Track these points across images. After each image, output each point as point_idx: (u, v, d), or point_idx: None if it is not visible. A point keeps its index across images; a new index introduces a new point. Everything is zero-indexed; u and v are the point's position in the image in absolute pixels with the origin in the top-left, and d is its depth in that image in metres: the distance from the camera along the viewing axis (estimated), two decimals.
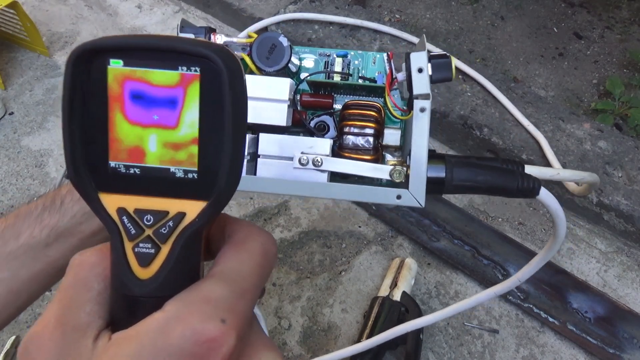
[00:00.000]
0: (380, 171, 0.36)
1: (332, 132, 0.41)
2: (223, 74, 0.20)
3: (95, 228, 0.42)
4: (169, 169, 0.21)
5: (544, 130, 0.98)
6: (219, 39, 0.40)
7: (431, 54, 0.36)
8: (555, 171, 0.43)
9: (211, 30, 0.40)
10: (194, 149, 0.20)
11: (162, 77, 0.20)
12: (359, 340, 0.80)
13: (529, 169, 0.39)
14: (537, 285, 0.90)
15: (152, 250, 0.20)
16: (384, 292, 0.86)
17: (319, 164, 0.36)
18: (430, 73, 0.35)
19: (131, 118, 0.20)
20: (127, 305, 0.21)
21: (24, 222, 0.41)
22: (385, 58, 0.41)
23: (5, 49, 1.29)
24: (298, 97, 0.41)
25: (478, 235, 0.96)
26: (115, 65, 0.20)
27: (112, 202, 0.21)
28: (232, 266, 0.21)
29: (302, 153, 0.36)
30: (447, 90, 1.04)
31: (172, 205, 0.21)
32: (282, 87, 0.37)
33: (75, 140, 0.20)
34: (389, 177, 0.36)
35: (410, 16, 1.41)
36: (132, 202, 0.21)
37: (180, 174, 0.21)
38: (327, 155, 0.36)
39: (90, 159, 0.21)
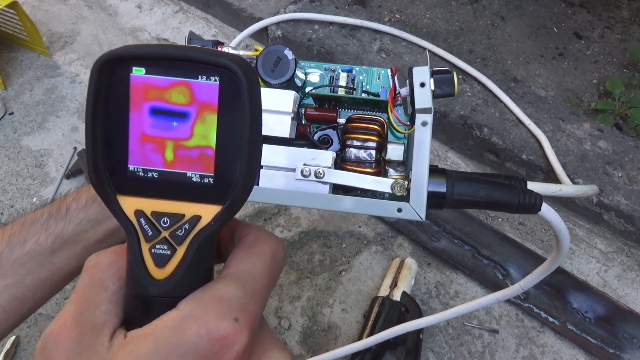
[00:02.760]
0: (382, 184, 0.36)
1: (336, 145, 0.41)
2: (243, 84, 0.20)
3: (101, 235, 0.43)
4: (186, 173, 0.21)
5: (543, 130, 0.98)
6: (226, 50, 0.40)
7: (434, 69, 0.36)
8: (558, 187, 0.43)
9: (219, 43, 0.40)
10: (211, 155, 0.21)
11: (182, 86, 0.21)
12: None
13: (532, 185, 0.39)
14: (537, 285, 0.90)
15: (168, 252, 0.21)
16: (384, 292, 0.86)
17: (321, 175, 0.36)
18: (432, 88, 0.36)
19: (151, 124, 0.21)
20: (142, 304, 0.21)
21: (30, 230, 0.41)
22: (390, 73, 0.42)
23: (5, 49, 1.29)
24: (302, 110, 0.42)
25: (478, 235, 0.96)
26: (138, 73, 0.21)
27: (130, 204, 0.22)
28: (243, 268, 0.22)
29: (304, 165, 0.36)
30: None
31: (188, 209, 0.21)
32: (286, 99, 0.37)
33: (97, 144, 0.21)
34: (390, 190, 0.36)
35: (410, 16, 1.41)
36: (150, 205, 0.22)
37: (196, 179, 0.21)
38: (329, 167, 0.36)
39: (110, 161, 0.21)
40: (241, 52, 0.40)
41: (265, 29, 1.19)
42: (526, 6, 1.44)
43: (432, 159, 1.06)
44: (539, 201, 0.36)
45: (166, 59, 0.21)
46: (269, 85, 0.39)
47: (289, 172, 0.36)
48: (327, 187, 0.36)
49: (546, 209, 0.38)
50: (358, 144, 0.38)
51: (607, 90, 1.22)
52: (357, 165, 0.38)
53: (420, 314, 0.82)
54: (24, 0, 1.36)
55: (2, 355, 0.83)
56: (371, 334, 0.79)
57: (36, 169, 1.09)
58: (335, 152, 0.39)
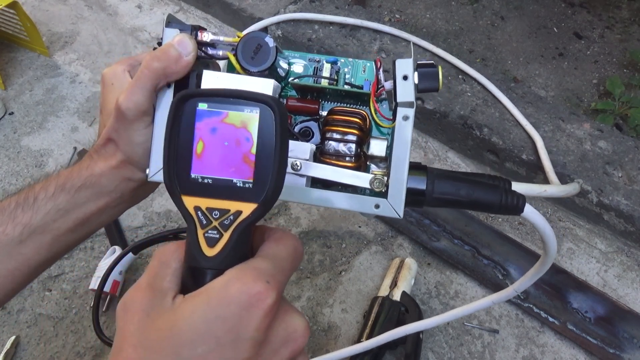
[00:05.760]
0: (360, 179, 0.35)
1: (317, 138, 0.41)
2: (276, 115, 0.28)
3: (71, 225, 0.41)
4: (232, 179, 0.29)
5: (543, 130, 0.98)
6: (206, 36, 0.39)
7: (419, 62, 0.35)
8: (542, 188, 0.43)
9: (199, 28, 0.39)
10: (251, 166, 0.29)
11: (233, 115, 0.29)
12: (359, 341, 0.80)
13: (517, 186, 0.38)
14: (537, 285, 0.90)
15: (217, 236, 0.29)
16: (384, 292, 0.86)
17: (298, 168, 0.35)
18: (416, 81, 0.35)
19: (209, 143, 0.29)
20: (196, 275, 0.29)
21: None
22: (374, 66, 0.41)
23: (5, 49, 1.29)
24: (284, 101, 0.41)
25: (478, 235, 0.96)
26: (202, 107, 0.29)
27: (190, 202, 0.29)
28: (273, 251, 0.30)
29: None
30: (447, 90, 1.04)
31: (233, 206, 0.29)
32: (265, 87, 0.35)
33: (171, 156, 0.29)
34: (368, 186, 0.35)
35: (410, 16, 1.41)
36: (205, 202, 0.29)
37: (240, 184, 0.29)
38: (307, 160, 0.36)
39: (178, 170, 0.29)
40: (221, 38, 0.39)
41: (265, 29, 1.19)
42: (526, 6, 1.44)
43: (431, 159, 1.06)
44: (522, 202, 0.35)
45: (223, 96, 0.29)
46: (249, 73, 0.37)
47: None
48: (304, 180, 0.35)
49: (530, 211, 0.37)
50: (338, 137, 0.37)
51: (607, 90, 1.22)
52: (337, 158, 0.37)
53: (420, 314, 0.82)
54: (24, 0, 1.36)
55: (2, 355, 0.83)
56: (371, 334, 0.79)
57: (36, 169, 1.09)
58: (316, 144, 0.38)
